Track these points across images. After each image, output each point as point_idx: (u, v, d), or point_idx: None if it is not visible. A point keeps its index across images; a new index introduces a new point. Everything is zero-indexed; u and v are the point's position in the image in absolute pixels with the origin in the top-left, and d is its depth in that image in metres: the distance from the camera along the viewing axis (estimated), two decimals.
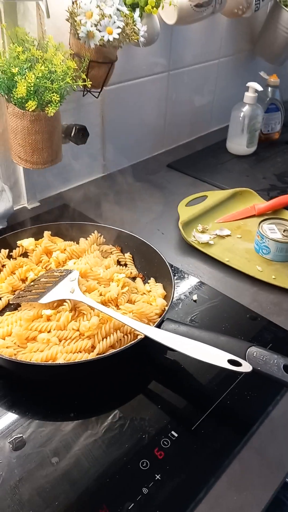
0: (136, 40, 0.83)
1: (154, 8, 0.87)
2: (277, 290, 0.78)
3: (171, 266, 0.77)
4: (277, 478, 0.50)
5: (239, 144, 1.22)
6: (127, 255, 0.78)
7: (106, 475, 0.49)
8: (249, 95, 1.17)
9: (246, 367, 0.51)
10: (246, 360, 0.53)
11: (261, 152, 1.27)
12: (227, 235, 0.91)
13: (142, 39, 0.83)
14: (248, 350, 0.55)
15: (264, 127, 1.30)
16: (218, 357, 0.52)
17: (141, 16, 0.87)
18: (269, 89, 1.27)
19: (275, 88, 1.27)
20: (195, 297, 0.75)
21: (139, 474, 0.49)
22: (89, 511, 0.45)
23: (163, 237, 0.90)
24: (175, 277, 0.79)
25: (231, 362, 0.52)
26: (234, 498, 0.48)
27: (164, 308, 0.65)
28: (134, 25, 0.82)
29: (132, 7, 0.87)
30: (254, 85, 1.15)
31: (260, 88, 1.15)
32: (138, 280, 0.74)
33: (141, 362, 0.62)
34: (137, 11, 0.85)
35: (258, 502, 0.48)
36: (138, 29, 0.83)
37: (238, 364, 0.51)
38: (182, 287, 0.77)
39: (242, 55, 1.35)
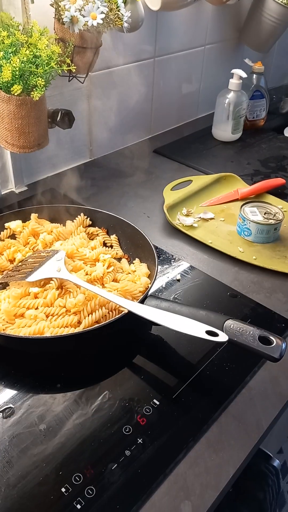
0: (120, 26, 0.84)
1: None
2: (257, 270, 0.81)
3: (156, 247, 0.80)
4: (252, 440, 0.53)
5: (224, 130, 1.25)
6: (113, 237, 0.80)
7: (90, 439, 0.51)
8: (233, 82, 1.18)
9: (222, 337, 0.54)
10: (223, 332, 0.56)
11: (247, 139, 1.29)
12: (211, 218, 0.93)
13: (126, 24, 0.85)
14: (226, 322, 0.57)
15: (249, 114, 1.32)
16: (197, 329, 0.55)
17: (125, 2, 0.88)
18: (254, 76, 1.29)
19: (260, 75, 1.29)
20: (178, 276, 0.78)
21: (122, 438, 0.52)
22: (74, 471, 0.48)
23: (148, 220, 0.93)
24: (160, 258, 0.81)
25: (209, 333, 0.55)
26: (212, 458, 0.51)
27: (148, 286, 0.68)
28: (118, 11, 0.84)
29: None
30: (239, 72, 1.17)
31: (244, 75, 1.17)
32: (124, 260, 0.77)
33: (126, 338, 0.65)
34: None
35: (234, 460, 0.51)
36: (122, 14, 0.84)
37: (215, 335, 0.54)
38: (167, 268, 0.80)
39: (228, 42, 1.37)
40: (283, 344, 0.55)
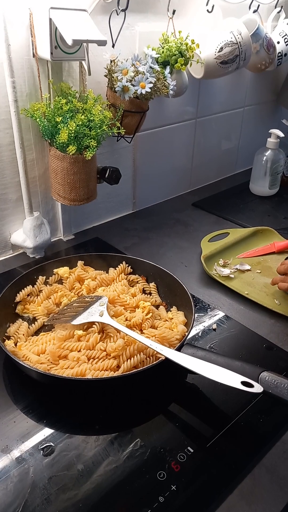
0: (166, 93, 0.93)
1: (183, 66, 0.97)
2: None
3: (193, 296, 0.83)
4: (286, 495, 0.53)
5: (262, 186, 1.29)
6: (152, 284, 0.84)
7: (126, 482, 0.53)
8: (271, 141, 1.24)
9: (257, 388, 0.55)
10: (258, 383, 0.57)
11: (284, 194, 1.33)
12: (247, 270, 0.96)
13: (171, 92, 0.93)
14: (261, 374, 0.59)
15: (286, 170, 1.36)
16: (232, 379, 0.57)
17: (171, 72, 0.97)
18: None
19: None
20: (214, 326, 0.80)
21: (156, 484, 0.53)
22: None
23: (186, 270, 0.96)
24: (197, 307, 0.84)
25: (244, 384, 0.56)
26: (244, 509, 0.51)
27: (184, 334, 0.70)
28: (165, 80, 0.93)
29: (164, 64, 0.97)
30: (277, 132, 1.23)
31: (282, 135, 1.22)
32: (162, 308, 0.80)
33: (162, 385, 0.67)
34: (168, 68, 0.96)
35: None
36: (168, 83, 0.93)
37: (251, 386, 0.56)
38: (203, 317, 0.82)
39: (266, 104, 1.45)
40: None
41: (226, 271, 0.94)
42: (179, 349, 0.65)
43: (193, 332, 0.78)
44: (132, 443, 0.58)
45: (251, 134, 1.43)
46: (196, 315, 0.81)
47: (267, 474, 0.56)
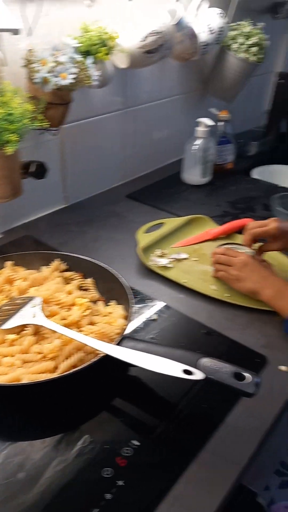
0: (89, 84, 0.90)
1: (106, 55, 0.95)
2: (231, 307, 0.83)
3: (132, 288, 0.82)
4: (232, 476, 0.54)
5: (194, 175, 1.31)
6: (89, 280, 0.82)
7: (71, 484, 0.51)
8: (200, 130, 1.26)
9: (198, 375, 0.55)
10: (199, 370, 0.57)
11: (216, 182, 1.35)
12: (184, 259, 0.96)
13: (95, 82, 0.91)
14: (201, 360, 0.59)
15: (217, 158, 1.39)
16: (174, 368, 0.56)
17: (94, 62, 0.95)
18: (220, 123, 1.37)
19: (226, 122, 1.37)
20: (155, 316, 0.79)
21: (102, 482, 0.51)
22: None
23: (123, 262, 0.95)
24: (136, 299, 0.83)
25: (185, 372, 0.56)
26: (192, 495, 0.51)
27: (124, 328, 0.69)
28: (87, 71, 0.90)
29: (86, 54, 0.95)
30: (205, 121, 1.24)
31: (211, 123, 1.24)
32: (100, 303, 0.78)
33: (103, 380, 0.65)
34: (90, 58, 0.93)
35: (215, 497, 0.51)
36: (91, 74, 0.90)
37: (192, 373, 0.56)
38: (143, 308, 0.81)
39: (194, 93, 1.46)
40: (257, 380, 0.57)
41: (163, 261, 0.94)
42: (118, 344, 0.63)
43: (135, 325, 0.77)
44: (80, 439, 0.56)
45: (181, 123, 1.44)
46: (136, 307, 0.81)
47: (212, 457, 0.56)
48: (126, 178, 1.34)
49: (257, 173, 1.47)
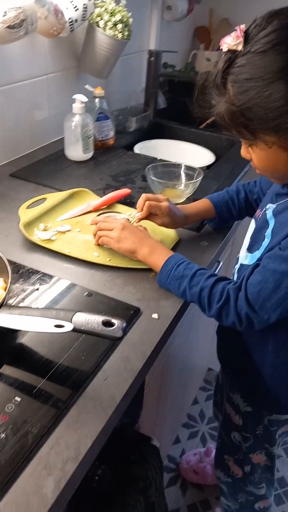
0: None
1: None
2: (111, 270, 0.89)
3: (14, 263, 0.84)
4: (107, 413, 0.60)
5: (75, 151, 1.34)
6: None
7: None
8: (76, 106, 1.29)
9: (68, 327, 0.60)
10: (71, 324, 0.62)
11: (99, 157, 1.40)
12: (68, 231, 1.00)
13: None
14: (74, 315, 0.64)
15: (98, 134, 1.43)
16: (46, 325, 0.61)
17: None
18: (97, 100, 1.41)
19: (101, 98, 1.41)
20: (37, 286, 0.83)
21: None
22: None
23: (6, 239, 0.96)
24: (19, 272, 0.86)
25: (58, 327, 0.61)
26: (71, 436, 0.57)
27: (2, 297, 0.71)
28: None
29: None
30: (79, 97, 1.27)
31: (85, 99, 1.27)
32: None
33: None
34: None
35: (91, 433, 0.57)
36: None
37: (63, 327, 0.61)
38: (26, 281, 0.84)
39: (70, 71, 1.47)
40: (124, 325, 0.63)
41: (47, 235, 0.97)
42: None
43: (20, 297, 0.80)
44: None
45: (60, 102, 1.45)
46: (21, 280, 0.83)
47: (90, 401, 0.62)
48: (7, 158, 1.33)
49: (138, 148, 1.54)
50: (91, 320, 0.63)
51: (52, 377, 0.64)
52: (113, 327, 0.62)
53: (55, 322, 0.61)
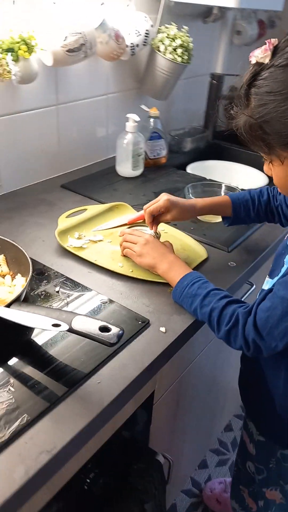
0: (8, 79, 0.99)
1: (26, 53, 1.04)
2: (132, 281, 0.92)
3: (43, 265, 0.91)
4: (92, 413, 0.63)
5: (125, 167, 1.40)
6: (1, 256, 0.90)
7: None
8: (129, 125, 1.35)
9: (63, 327, 0.64)
10: (70, 325, 0.66)
11: (148, 174, 1.44)
12: (100, 240, 1.05)
13: (14, 77, 0.99)
14: (74, 317, 0.68)
15: (150, 152, 1.48)
16: (44, 323, 0.65)
17: (16, 59, 1.03)
18: (151, 120, 1.47)
19: (156, 118, 1.47)
20: (58, 288, 0.88)
21: None
22: None
23: (43, 244, 1.03)
24: (45, 275, 0.92)
25: (55, 326, 0.65)
26: (53, 430, 0.60)
27: (18, 294, 0.77)
28: (7, 66, 0.99)
29: (8, 51, 1.03)
30: (133, 116, 1.34)
31: (137, 119, 1.34)
32: (7, 277, 0.86)
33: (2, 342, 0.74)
34: (11, 54, 1.01)
35: (72, 429, 0.60)
36: (11, 69, 0.99)
37: (59, 326, 0.64)
38: (49, 283, 0.90)
39: (130, 92, 1.55)
40: (120, 332, 0.66)
41: (79, 243, 1.02)
42: (8, 306, 0.72)
43: (39, 296, 0.85)
44: None
45: (118, 121, 1.53)
46: (44, 282, 0.89)
47: (79, 401, 0.65)
48: (63, 171, 1.42)
49: (191, 168, 1.56)
50: (89, 323, 0.67)
51: (49, 372, 0.68)
52: (109, 333, 0.65)
53: (52, 321, 0.65)
